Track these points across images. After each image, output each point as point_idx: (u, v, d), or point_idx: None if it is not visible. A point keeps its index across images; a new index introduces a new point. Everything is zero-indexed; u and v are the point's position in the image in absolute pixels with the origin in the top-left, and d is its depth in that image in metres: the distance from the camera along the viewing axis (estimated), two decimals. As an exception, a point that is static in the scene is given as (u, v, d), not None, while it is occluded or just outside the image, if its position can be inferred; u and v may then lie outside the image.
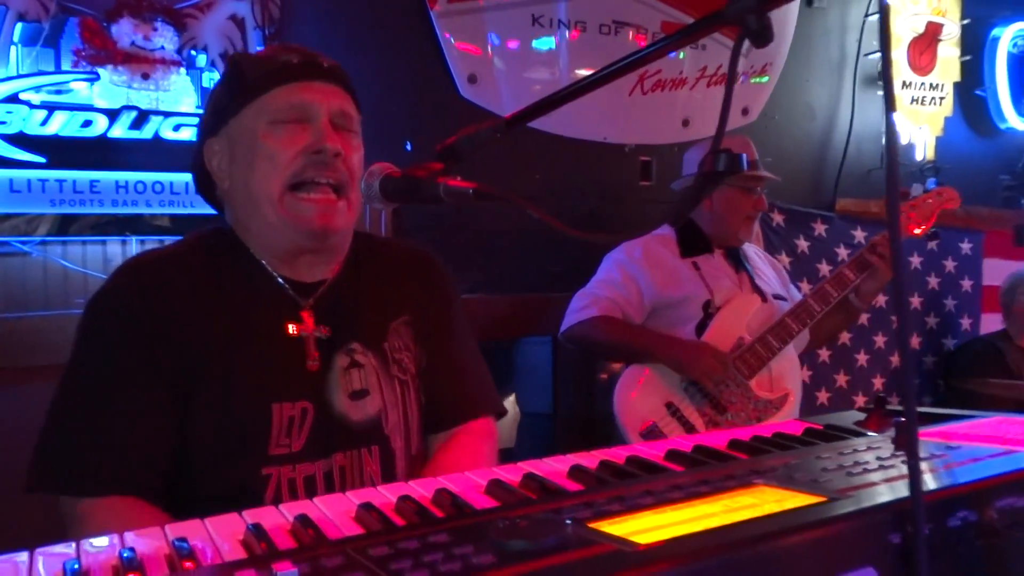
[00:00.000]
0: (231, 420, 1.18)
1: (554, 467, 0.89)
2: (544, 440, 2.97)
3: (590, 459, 0.91)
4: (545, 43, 3.21)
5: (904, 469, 0.74)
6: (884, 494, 0.65)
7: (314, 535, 0.67)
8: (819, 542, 0.58)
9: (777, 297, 2.68)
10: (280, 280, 1.28)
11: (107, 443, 1.15)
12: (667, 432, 2.39)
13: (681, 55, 3.44)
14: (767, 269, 2.80)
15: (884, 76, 0.66)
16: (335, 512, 0.75)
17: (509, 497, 0.77)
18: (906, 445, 0.61)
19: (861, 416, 1.12)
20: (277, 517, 0.74)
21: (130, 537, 0.69)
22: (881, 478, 0.71)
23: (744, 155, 0.80)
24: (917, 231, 2.63)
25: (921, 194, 2.71)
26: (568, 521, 0.58)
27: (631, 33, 3.32)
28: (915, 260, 3.83)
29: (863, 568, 0.58)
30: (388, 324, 1.35)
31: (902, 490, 0.66)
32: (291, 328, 1.25)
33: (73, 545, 0.68)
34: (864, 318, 3.76)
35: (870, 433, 1.00)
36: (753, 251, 2.80)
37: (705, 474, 0.74)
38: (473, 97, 3.06)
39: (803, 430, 1.04)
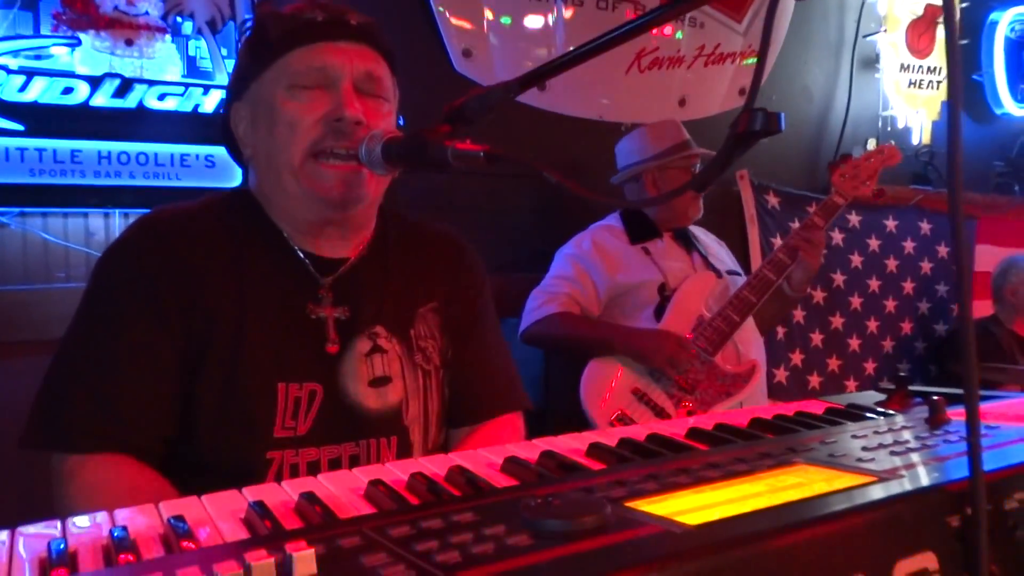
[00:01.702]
0: (237, 394, 1.11)
1: (571, 445, 0.84)
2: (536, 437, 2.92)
3: (608, 437, 0.86)
4: (541, 18, 3.14)
5: (950, 449, 0.69)
6: (936, 474, 0.61)
7: (323, 513, 0.61)
8: (878, 524, 0.53)
9: (731, 272, 2.68)
10: (301, 254, 1.20)
11: (102, 397, 1.07)
12: (637, 419, 2.36)
13: (679, 34, 3.39)
14: (717, 247, 2.79)
15: (950, 74, 0.61)
16: (342, 489, 0.69)
17: (528, 475, 0.72)
18: (968, 422, 0.57)
19: (881, 397, 1.08)
20: (281, 494, 0.69)
21: (121, 515, 0.63)
22: (926, 458, 0.67)
23: (782, 113, 0.74)
24: (866, 191, 2.64)
25: (862, 154, 2.72)
26: (604, 500, 0.53)
27: (628, 9, 3.26)
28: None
29: (923, 552, 0.54)
30: (415, 310, 1.27)
31: (954, 470, 0.62)
32: (309, 307, 1.18)
33: (58, 524, 0.62)
34: (857, 303, 3.75)
35: (894, 413, 0.96)
36: (701, 232, 2.79)
37: (738, 452, 0.69)
38: (467, 72, 2.99)
39: (825, 409, 0.99)
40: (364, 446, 1.18)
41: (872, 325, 3.78)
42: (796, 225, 3.59)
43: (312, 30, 1.17)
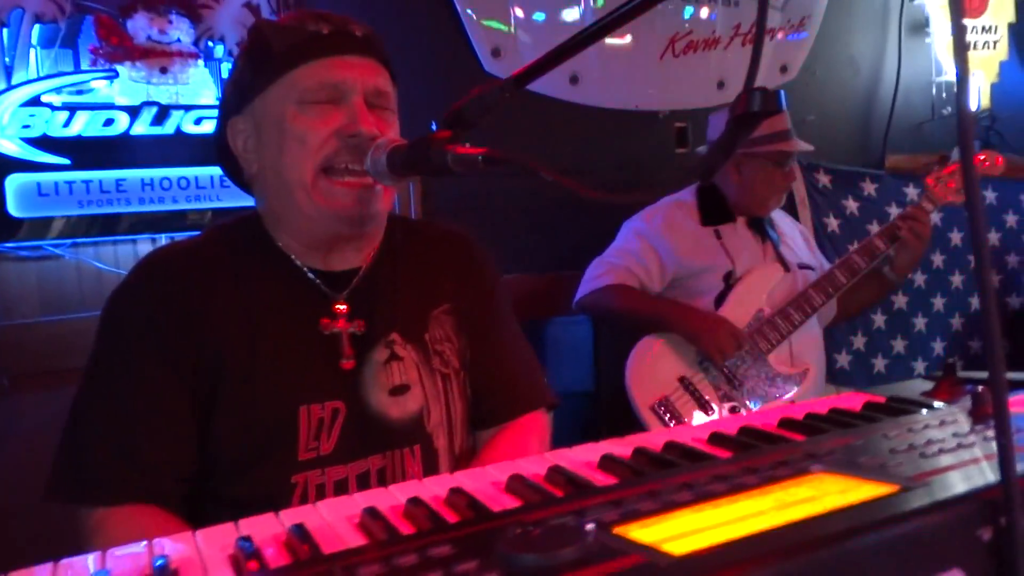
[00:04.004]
0: (255, 425, 1.10)
1: (584, 457, 0.80)
2: (585, 421, 2.88)
3: (624, 446, 0.82)
4: (571, 13, 3.09)
5: (988, 448, 0.63)
6: (968, 480, 0.55)
7: (309, 549, 0.59)
8: (894, 542, 0.48)
9: (803, 267, 2.55)
10: (310, 274, 1.19)
11: (119, 448, 1.08)
12: (679, 407, 2.29)
13: (713, 15, 3.29)
14: (795, 235, 2.66)
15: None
16: (338, 518, 0.67)
17: (532, 495, 0.68)
18: (995, 419, 0.51)
19: (928, 386, 1.01)
20: (275, 526, 0.67)
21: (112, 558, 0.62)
22: (960, 459, 0.60)
23: (782, 92, 0.69)
24: (958, 199, 2.47)
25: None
26: (591, 526, 0.50)
27: (660, -4, 3.17)
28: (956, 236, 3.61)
29: (949, 571, 0.48)
30: (428, 313, 1.25)
31: (990, 475, 0.56)
32: (323, 324, 1.17)
33: (96, 556, 0.62)
34: (920, 279, 3.58)
35: (940, 404, 0.89)
36: (781, 217, 2.66)
37: (752, 461, 0.65)
38: (497, 71, 2.96)
39: (863, 404, 0.93)
40: (390, 457, 1.16)
41: (939, 303, 3.60)
42: (849, 202, 3.47)
43: (319, 44, 1.15)
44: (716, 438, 0.82)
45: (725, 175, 2.52)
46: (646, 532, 0.49)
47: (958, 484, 0.55)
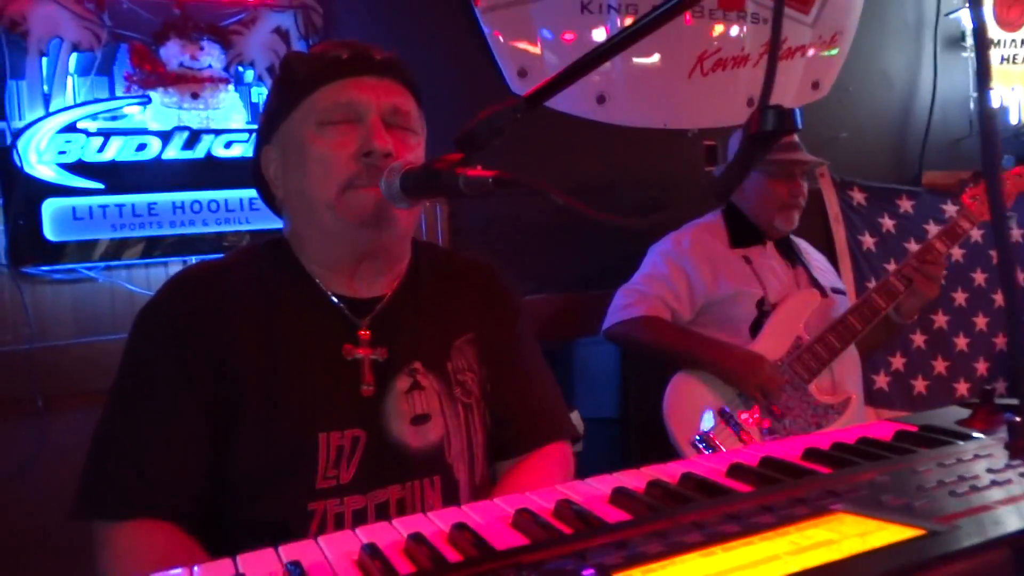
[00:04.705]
0: (274, 450, 1.09)
1: (596, 490, 0.77)
2: (611, 447, 2.82)
3: (638, 478, 0.78)
4: (597, 32, 3.08)
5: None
6: (1003, 522, 0.51)
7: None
8: (917, 593, 0.44)
9: (835, 291, 2.46)
10: (335, 299, 1.19)
11: (133, 464, 1.08)
12: (719, 440, 2.21)
13: (742, 32, 3.26)
14: (821, 261, 2.58)
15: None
16: (337, 555, 0.65)
17: (537, 532, 0.66)
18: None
19: (964, 413, 0.96)
20: (273, 563, 0.65)
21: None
22: (996, 498, 0.56)
23: (797, 109, 0.66)
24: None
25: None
26: (589, 573, 0.47)
27: (687, 15, 3.16)
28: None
29: (978, 625, 0.45)
30: (451, 343, 1.24)
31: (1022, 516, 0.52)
32: (346, 350, 1.16)
33: None
34: (962, 298, 3.47)
35: (976, 434, 0.84)
36: (805, 244, 2.59)
37: (770, 497, 0.61)
38: (524, 92, 2.95)
39: (894, 433, 0.88)
40: (409, 488, 1.14)
41: (981, 322, 3.49)
42: (886, 220, 3.39)
43: (338, 67, 1.16)
44: (736, 470, 0.78)
45: (742, 194, 2.46)
46: (649, 578, 0.47)
47: (989, 528, 0.51)
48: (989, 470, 0.64)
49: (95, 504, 1.08)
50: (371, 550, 0.63)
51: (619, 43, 0.78)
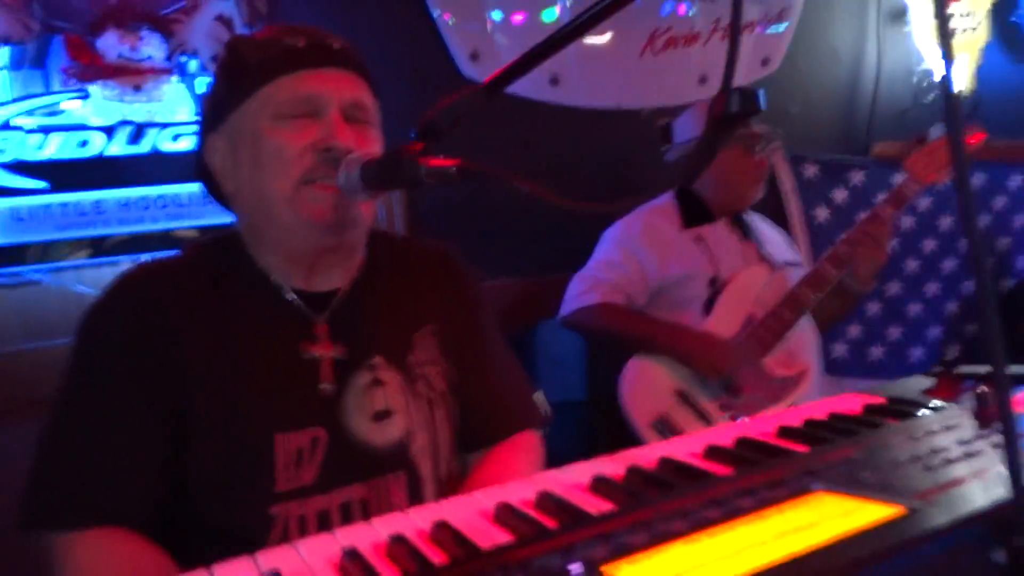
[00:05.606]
0: (230, 453, 1.05)
1: (575, 478, 0.77)
2: (578, 430, 2.83)
3: (616, 464, 0.78)
4: (549, 14, 3.06)
5: (996, 457, 0.60)
6: (977, 496, 0.52)
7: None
8: (901, 571, 0.45)
9: (788, 264, 2.49)
10: (291, 295, 1.15)
11: (86, 471, 1.03)
12: (679, 421, 2.23)
13: (691, 11, 3.26)
14: (774, 235, 2.61)
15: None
16: (318, 560, 0.64)
17: (521, 526, 0.65)
18: (1003, 425, 0.47)
19: (928, 383, 0.98)
20: (250, 573, 0.63)
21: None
22: (969, 471, 0.57)
23: (760, 90, 0.66)
24: (942, 178, 2.41)
25: (939, 137, 2.48)
26: (578, 568, 0.46)
27: (638, -9, 3.15)
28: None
29: (963, 600, 0.45)
30: (412, 335, 1.21)
31: (1000, 488, 0.52)
32: (303, 348, 1.12)
33: None
34: (915, 265, 3.56)
35: (942, 404, 0.86)
36: (758, 218, 2.60)
37: (749, 480, 0.61)
38: (477, 76, 2.92)
39: (863, 407, 0.90)
40: (374, 486, 1.11)
41: (933, 288, 3.59)
42: (839, 192, 3.45)
43: (294, 57, 1.11)
44: (713, 452, 0.79)
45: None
46: (636, 570, 0.46)
47: (967, 501, 0.52)
48: (960, 442, 0.65)
49: (46, 513, 1.03)
50: (352, 555, 0.62)
51: (580, 26, 0.77)
